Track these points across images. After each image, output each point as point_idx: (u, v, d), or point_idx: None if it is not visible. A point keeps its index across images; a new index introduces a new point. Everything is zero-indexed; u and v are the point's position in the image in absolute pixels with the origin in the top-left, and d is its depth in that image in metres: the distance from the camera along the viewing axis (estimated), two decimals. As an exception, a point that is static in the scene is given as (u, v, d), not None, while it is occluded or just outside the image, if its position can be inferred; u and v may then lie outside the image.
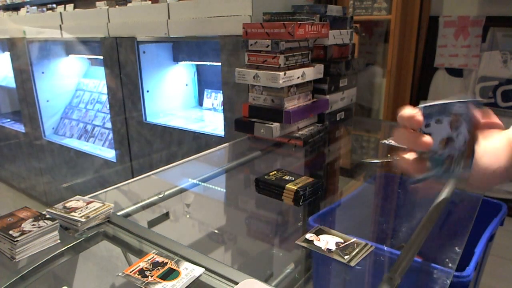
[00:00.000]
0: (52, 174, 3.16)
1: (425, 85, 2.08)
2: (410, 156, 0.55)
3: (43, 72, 2.99)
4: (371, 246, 0.83)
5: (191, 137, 2.06)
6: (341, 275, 1.22)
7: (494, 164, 0.53)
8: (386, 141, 1.56)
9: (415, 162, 0.55)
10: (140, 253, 0.89)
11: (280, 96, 1.43)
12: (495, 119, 0.58)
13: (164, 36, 2.00)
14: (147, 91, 2.25)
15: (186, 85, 2.50)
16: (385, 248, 0.85)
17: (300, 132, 1.50)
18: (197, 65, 2.51)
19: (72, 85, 3.23)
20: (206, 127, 2.15)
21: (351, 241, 0.86)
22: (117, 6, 2.32)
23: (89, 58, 3.13)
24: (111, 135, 2.73)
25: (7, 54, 3.32)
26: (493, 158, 0.54)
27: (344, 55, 1.70)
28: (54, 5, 3.06)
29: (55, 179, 3.12)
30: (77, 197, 1.05)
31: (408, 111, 0.52)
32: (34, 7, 3.15)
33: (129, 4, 2.26)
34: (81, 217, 0.95)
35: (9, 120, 3.67)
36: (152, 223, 1.27)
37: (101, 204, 1.01)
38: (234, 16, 1.68)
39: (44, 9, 3.05)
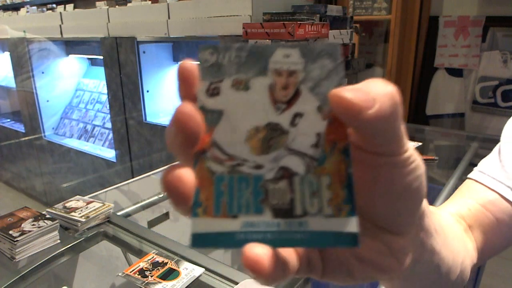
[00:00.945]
0: (52, 174, 3.16)
1: (425, 85, 2.08)
2: (182, 172, 0.19)
3: (43, 72, 2.99)
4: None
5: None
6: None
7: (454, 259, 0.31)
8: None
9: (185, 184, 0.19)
10: (140, 253, 0.89)
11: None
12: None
13: (164, 36, 2.00)
14: (147, 91, 2.25)
15: (186, 85, 2.50)
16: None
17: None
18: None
19: (72, 85, 3.22)
20: (206, 127, 2.14)
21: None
22: (117, 6, 2.32)
23: (89, 58, 3.13)
24: (111, 135, 2.73)
25: (7, 54, 3.32)
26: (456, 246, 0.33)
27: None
28: (54, 5, 3.06)
29: (55, 179, 3.12)
30: (77, 197, 1.05)
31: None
32: (34, 7, 3.15)
33: (129, 4, 2.26)
34: (81, 217, 0.95)
35: (9, 120, 3.67)
36: (152, 223, 1.27)
37: (101, 204, 1.01)
38: (234, 16, 1.68)
39: (44, 9, 3.05)
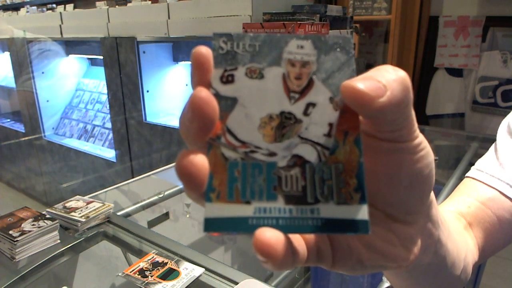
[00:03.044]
0: (52, 174, 3.16)
1: (425, 85, 2.08)
2: (196, 157, 0.18)
3: (43, 72, 2.99)
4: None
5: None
6: (340, 275, 1.22)
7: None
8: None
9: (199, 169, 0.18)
10: (140, 253, 0.89)
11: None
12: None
13: (164, 36, 2.00)
14: (147, 91, 2.25)
15: (186, 85, 2.50)
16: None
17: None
18: (197, 65, 2.51)
19: (72, 85, 3.22)
20: (206, 127, 2.14)
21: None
22: (117, 6, 2.32)
23: (89, 58, 3.13)
24: (111, 135, 2.73)
25: (7, 54, 3.32)
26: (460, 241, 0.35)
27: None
28: (54, 5, 3.05)
29: (55, 179, 3.12)
30: (77, 197, 1.05)
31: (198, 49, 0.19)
32: (34, 7, 3.15)
33: (129, 4, 2.26)
34: (81, 217, 0.95)
35: (9, 120, 3.67)
36: (152, 223, 1.27)
37: (101, 204, 1.01)
38: (234, 16, 1.68)
39: (44, 9, 3.05)
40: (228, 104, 0.20)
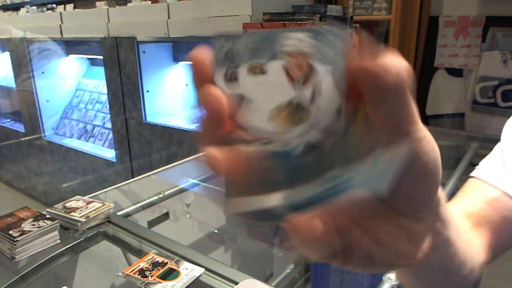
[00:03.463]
0: (52, 174, 3.16)
1: (425, 85, 2.08)
2: (217, 152, 0.19)
3: (43, 72, 2.99)
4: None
5: (191, 137, 2.06)
6: (340, 275, 1.22)
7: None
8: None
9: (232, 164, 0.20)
10: (140, 253, 0.89)
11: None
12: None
13: (164, 36, 2.00)
14: (147, 91, 2.25)
15: (186, 85, 2.50)
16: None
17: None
18: (197, 65, 2.50)
19: (72, 85, 3.22)
20: (206, 127, 2.14)
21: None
22: (117, 6, 2.32)
23: (89, 58, 3.13)
24: (111, 135, 2.73)
25: (7, 54, 3.32)
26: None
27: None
28: (54, 5, 3.06)
29: (55, 179, 3.12)
30: (77, 197, 1.05)
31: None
32: (34, 7, 3.15)
33: (129, 4, 2.26)
34: (81, 217, 0.95)
35: (9, 120, 3.67)
36: (152, 223, 1.27)
37: (101, 204, 1.01)
38: (234, 16, 1.68)
39: (44, 9, 3.05)
40: (235, 100, 0.20)
